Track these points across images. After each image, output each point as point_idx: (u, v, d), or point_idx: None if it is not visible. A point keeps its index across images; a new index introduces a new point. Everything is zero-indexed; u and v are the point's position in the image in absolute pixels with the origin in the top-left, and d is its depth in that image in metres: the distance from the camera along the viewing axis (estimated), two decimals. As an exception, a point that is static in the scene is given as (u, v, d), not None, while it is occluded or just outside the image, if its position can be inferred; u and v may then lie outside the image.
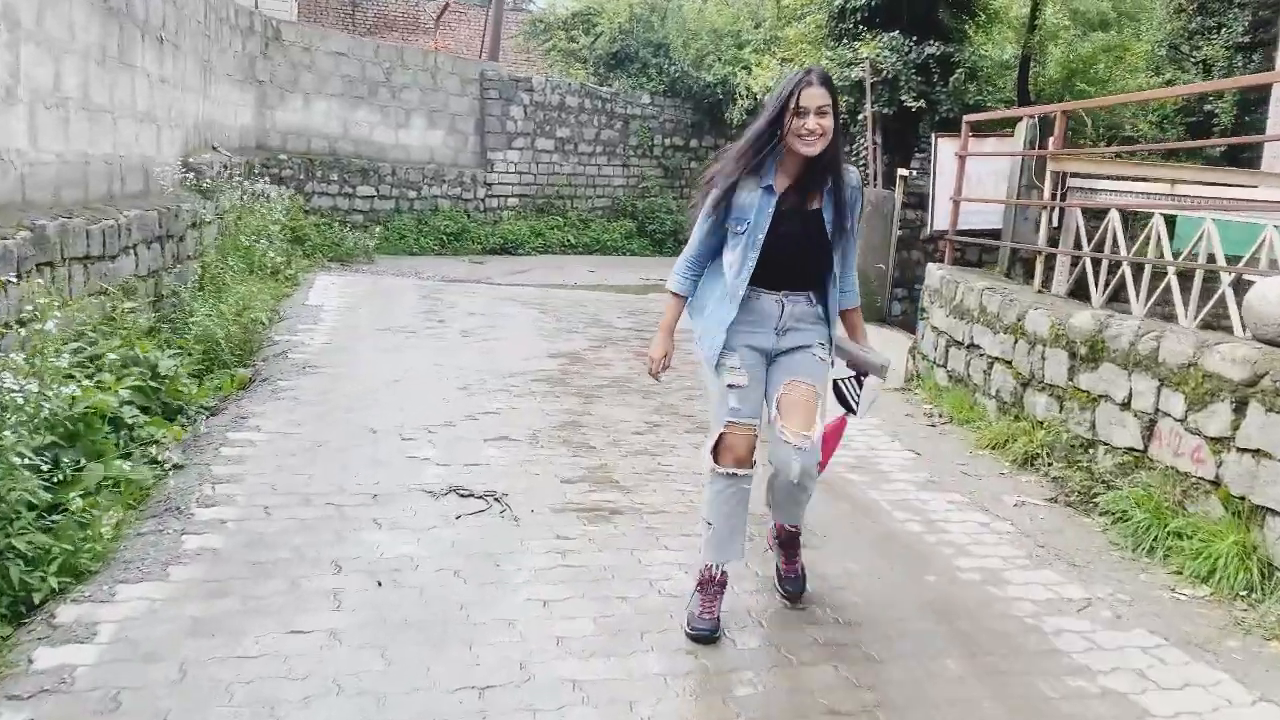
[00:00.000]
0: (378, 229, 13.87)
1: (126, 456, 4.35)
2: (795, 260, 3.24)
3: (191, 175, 7.99)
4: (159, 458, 4.46)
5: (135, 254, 5.94)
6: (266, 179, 12.37)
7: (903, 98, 12.13)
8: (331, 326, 8.02)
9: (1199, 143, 11.27)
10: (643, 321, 9.53)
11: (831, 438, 3.53)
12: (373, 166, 14.20)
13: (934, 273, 7.12)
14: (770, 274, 3.23)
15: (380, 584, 3.52)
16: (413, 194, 14.81)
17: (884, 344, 9.70)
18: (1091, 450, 5.03)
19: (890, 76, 12.17)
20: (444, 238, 14.80)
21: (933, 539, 4.39)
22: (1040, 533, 4.55)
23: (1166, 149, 13.59)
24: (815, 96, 3.05)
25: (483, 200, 15.79)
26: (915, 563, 4.11)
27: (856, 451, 5.64)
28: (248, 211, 10.12)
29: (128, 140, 6.30)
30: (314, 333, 7.71)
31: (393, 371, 6.66)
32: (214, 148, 10.00)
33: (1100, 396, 4.98)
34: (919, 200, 12.29)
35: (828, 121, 3.06)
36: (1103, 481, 4.83)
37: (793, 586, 3.64)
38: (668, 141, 18.76)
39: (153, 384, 4.93)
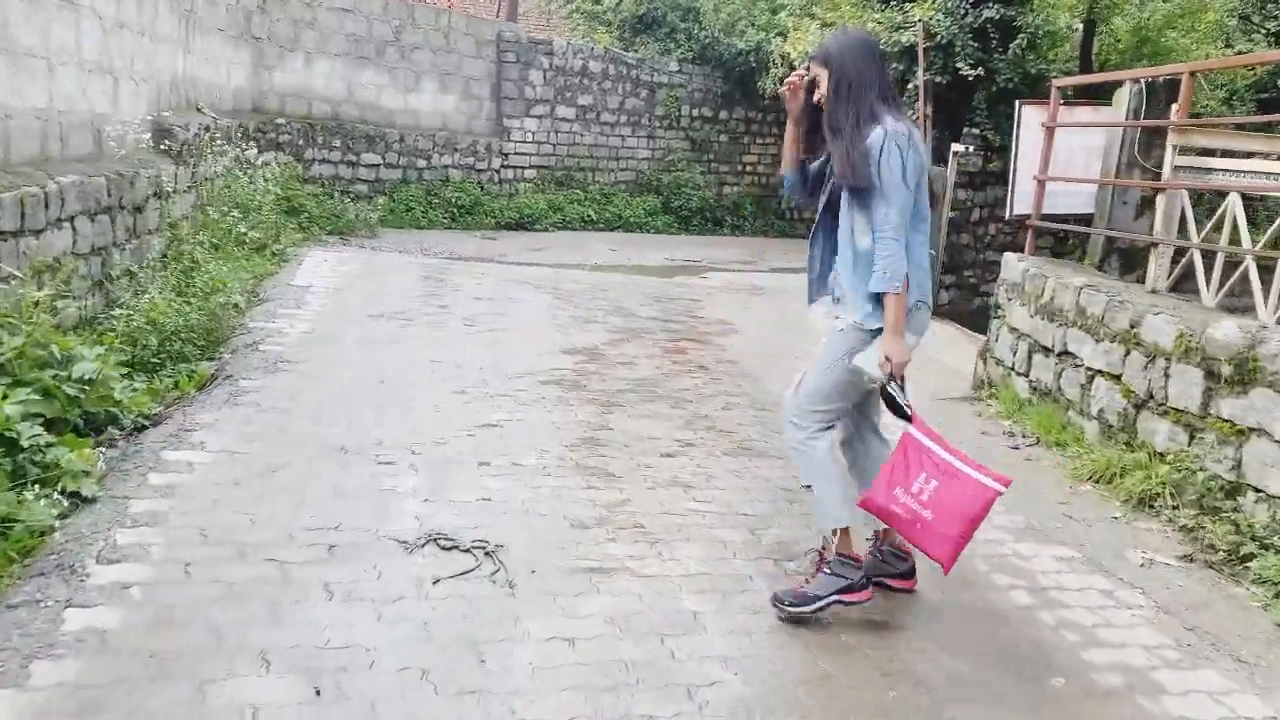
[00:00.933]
0: (383, 200, 12.89)
1: (19, 488, 3.42)
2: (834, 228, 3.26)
3: (160, 137, 7.01)
4: (63, 489, 3.52)
5: (72, 227, 4.98)
6: (262, 144, 11.40)
7: (958, 65, 11.00)
8: (317, 311, 7.07)
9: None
10: (669, 310, 8.53)
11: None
12: (379, 133, 13.20)
13: (1014, 264, 6.09)
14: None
15: (319, 692, 2.57)
16: (422, 163, 13.80)
17: (939, 341, 8.70)
18: (1237, 496, 4.01)
19: (944, 42, 11.04)
20: (455, 211, 13.80)
21: (1049, 618, 3.39)
22: (1183, 608, 3.54)
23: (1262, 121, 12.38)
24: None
25: (497, 171, 14.77)
26: (1035, 659, 3.12)
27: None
28: (234, 179, 9.16)
29: (69, 93, 5.33)
30: (295, 319, 6.75)
31: (379, 369, 5.70)
32: (198, 108, 9.03)
33: (1251, 430, 3.95)
34: (968, 179, 11.19)
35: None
36: (1256, 539, 3.82)
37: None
38: (696, 112, 17.65)
39: (70, 390, 3.98)
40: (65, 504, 3.48)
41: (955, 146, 10.57)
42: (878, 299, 2.99)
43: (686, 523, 3.89)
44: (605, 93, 16.12)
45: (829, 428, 3.24)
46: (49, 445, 3.68)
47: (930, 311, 3.20)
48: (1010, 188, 6.89)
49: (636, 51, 17.08)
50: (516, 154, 14.96)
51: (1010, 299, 6.05)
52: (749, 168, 18.46)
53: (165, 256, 6.53)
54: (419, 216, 13.28)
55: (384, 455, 4.30)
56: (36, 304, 4.15)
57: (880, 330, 3.00)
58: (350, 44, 12.88)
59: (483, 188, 14.45)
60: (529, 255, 11.67)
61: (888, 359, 2.96)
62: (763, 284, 10.66)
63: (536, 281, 9.33)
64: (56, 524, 3.37)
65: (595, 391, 5.66)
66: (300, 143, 12.14)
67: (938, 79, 11.15)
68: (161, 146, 6.99)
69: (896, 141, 2.92)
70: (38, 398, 3.82)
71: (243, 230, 8.32)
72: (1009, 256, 6.18)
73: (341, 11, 12.68)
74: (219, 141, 8.70)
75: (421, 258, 10.42)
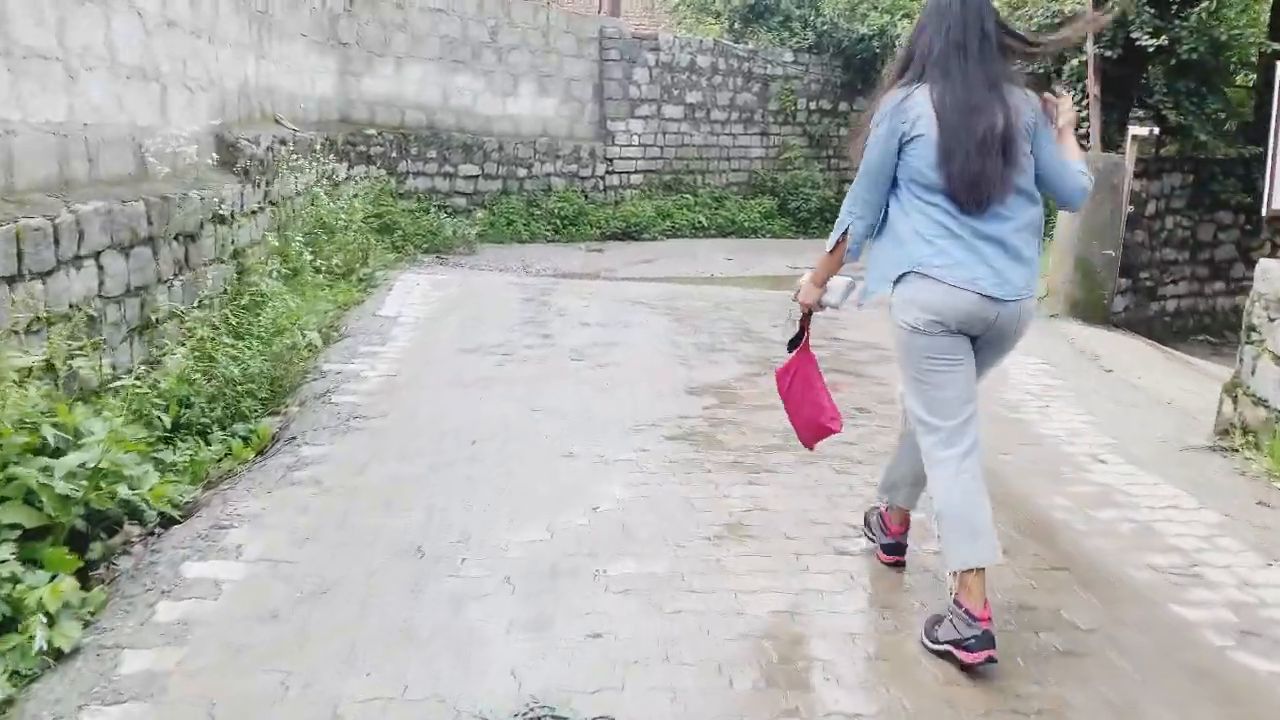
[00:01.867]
0: (481, 214, 12.01)
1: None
2: None
3: (225, 153, 6.16)
4: (31, 638, 2.56)
5: (98, 265, 4.09)
6: (351, 157, 10.62)
7: (1132, 34, 9.45)
8: (403, 347, 6.11)
9: None
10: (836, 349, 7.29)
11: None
12: (476, 141, 12.33)
13: (1277, 274, 4.68)
14: None
15: None
16: (522, 172, 12.88)
17: (1133, 361, 7.26)
18: None
19: (1114, 9, 9.50)
20: (558, 222, 12.84)
21: None
22: None
23: None
24: None
25: (602, 178, 13.76)
26: None
27: (1188, 559, 3.36)
28: (318, 198, 8.33)
29: (98, 103, 4.45)
30: (377, 359, 5.79)
31: (470, 424, 4.67)
32: (276, 120, 8.23)
33: None
34: (1143, 168, 9.61)
35: None
36: None
37: None
38: (813, 105, 16.34)
39: (64, 486, 3.02)
40: (35, 660, 2.52)
41: (1135, 130, 9.05)
42: (880, 271, 2.90)
43: (895, 670, 2.70)
44: (715, 88, 14.96)
45: (944, 439, 2.84)
46: (25, 569, 2.74)
47: (947, 288, 2.72)
48: (1270, 176, 5.45)
49: (748, 43, 15.87)
50: (621, 158, 13.93)
51: (1274, 319, 4.65)
52: (872, 163, 16.98)
53: (226, 292, 5.65)
54: (520, 230, 12.36)
55: (471, 561, 3.23)
56: (28, 371, 3.22)
57: (892, 300, 2.86)
58: (444, 47, 12.05)
59: (586, 196, 13.46)
60: (638, 268, 10.60)
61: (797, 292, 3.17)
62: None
63: (650, 301, 8.21)
64: (17, 694, 2.42)
65: (735, 449, 4.50)
66: (393, 155, 11.33)
67: (1107, 52, 9.62)
68: (226, 163, 6.14)
69: (884, 108, 2.81)
70: (16, 500, 2.87)
71: (325, 255, 7.46)
72: (1269, 264, 4.76)
73: (434, 12, 11.85)
74: (298, 156, 7.87)
75: (523, 277, 9.45)
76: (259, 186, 6.55)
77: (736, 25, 16.55)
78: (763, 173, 15.77)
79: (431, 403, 5.00)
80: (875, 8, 15.80)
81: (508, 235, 12.19)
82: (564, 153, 13.32)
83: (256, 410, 4.76)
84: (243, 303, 5.56)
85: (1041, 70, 10.58)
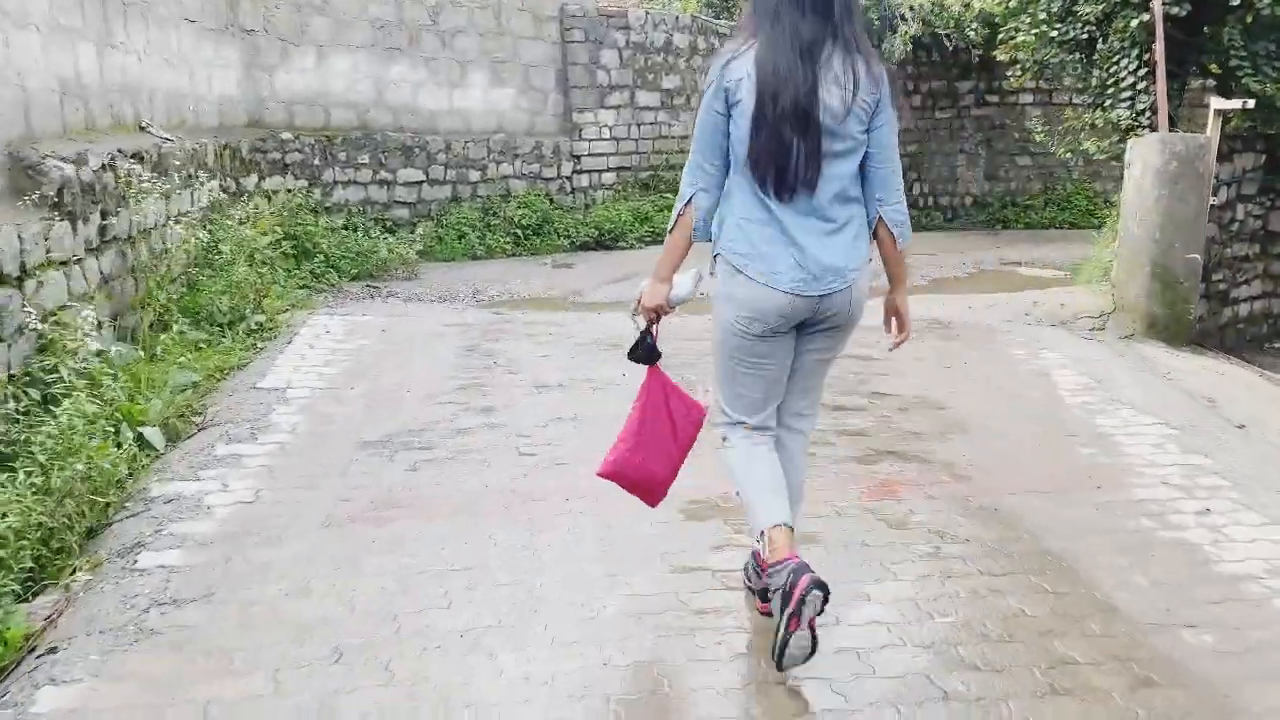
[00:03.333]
0: (425, 227, 10.20)
1: None
2: None
3: (21, 180, 4.35)
4: None
5: None
6: (263, 167, 8.80)
7: (1206, -16, 7.75)
8: (279, 445, 4.32)
9: None
10: (834, 385, 5.53)
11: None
12: (419, 142, 10.51)
13: None
14: None
15: None
16: (475, 176, 11.07)
17: (1252, 405, 5.56)
18: None
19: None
20: (519, 232, 11.04)
21: None
22: None
23: None
24: None
25: (569, 178, 11.96)
26: None
27: None
28: (199, 225, 6.51)
29: None
30: (234, 470, 4.01)
31: (340, 616, 2.91)
32: (141, 126, 6.39)
33: None
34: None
35: None
36: None
37: None
38: (804, 87, 14.55)
39: None
40: None
41: (1217, 102, 7.35)
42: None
43: None
44: (695, 71, 13.15)
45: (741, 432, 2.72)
46: None
47: (749, 282, 2.50)
48: None
49: (731, 17, 14.07)
50: (591, 155, 12.13)
51: None
52: (871, 150, 15.25)
53: (13, 379, 3.85)
54: (474, 244, 10.56)
55: None
56: None
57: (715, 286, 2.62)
58: (376, 32, 10.21)
59: (552, 200, 11.66)
60: (614, 289, 8.83)
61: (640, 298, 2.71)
62: (943, 313, 7.59)
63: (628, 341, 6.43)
64: None
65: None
66: (316, 162, 9.50)
67: (1174, 9, 7.90)
68: (21, 191, 4.32)
69: (714, 66, 2.52)
70: None
71: (204, 300, 5.70)
72: None
73: (362, -10, 10.02)
74: (173, 173, 6.05)
75: (469, 310, 7.66)
76: (84, 222, 4.73)
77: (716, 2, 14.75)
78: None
79: (288, 568, 3.22)
80: (876, -29, 14.02)
81: (459, 251, 10.39)
82: (524, 151, 11.51)
83: (7, 589, 3.00)
84: (20, 407, 3.75)
85: (1085, 37, 8.90)
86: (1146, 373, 6.03)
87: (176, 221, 6.16)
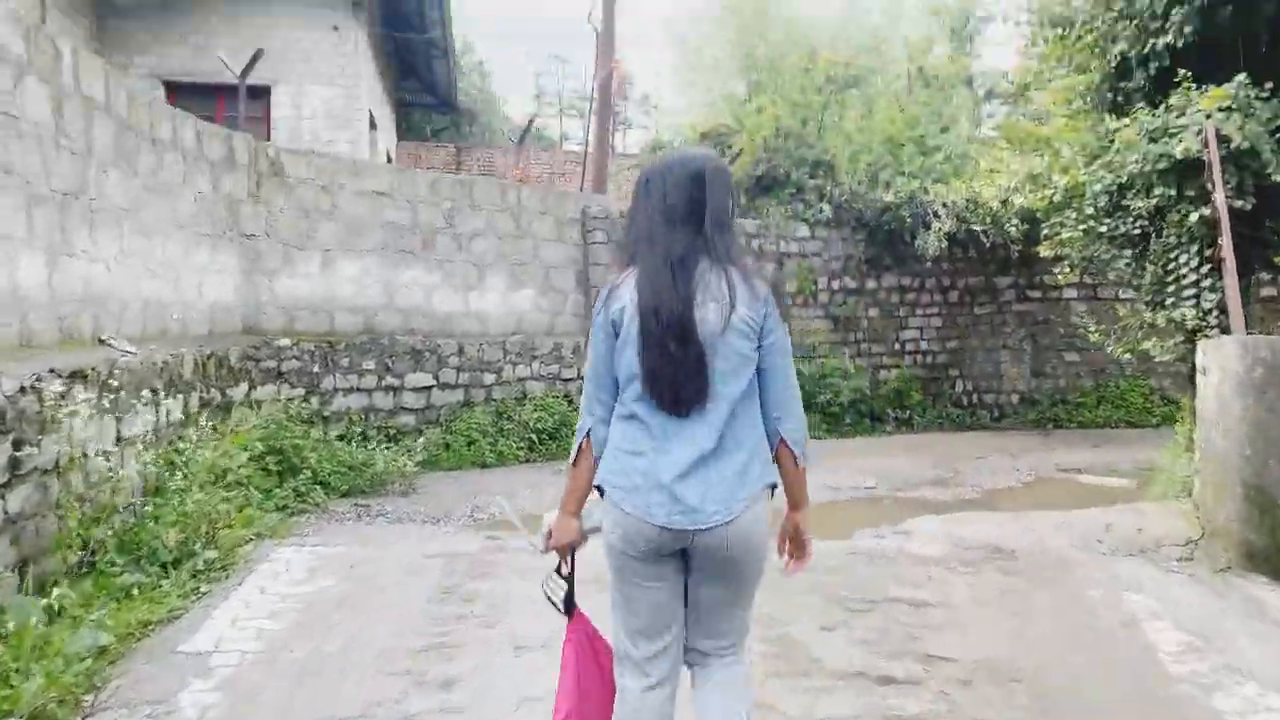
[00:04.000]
0: (432, 434, 9.54)
1: None
2: None
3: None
4: None
5: None
6: (254, 376, 8.25)
7: (1271, 173, 7.11)
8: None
9: None
10: (881, 644, 4.54)
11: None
12: (430, 345, 10.00)
13: None
14: None
15: None
16: (490, 378, 10.50)
17: None
18: None
19: (1242, 147, 7.21)
20: (534, 436, 10.34)
21: None
22: None
23: None
24: None
25: (590, 380, 11.35)
26: None
27: None
28: (154, 447, 5.85)
29: None
30: (98, 789, 3.11)
31: None
32: (101, 340, 5.85)
33: None
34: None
35: None
36: None
37: None
38: (836, 284, 14.13)
39: None
40: None
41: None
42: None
43: None
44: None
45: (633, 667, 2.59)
46: None
47: (624, 514, 2.44)
48: None
49: (757, 217, 13.81)
50: (613, 355, 11.55)
51: None
52: (909, 345, 14.69)
53: None
54: (485, 450, 9.83)
55: None
56: None
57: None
58: (389, 234, 9.91)
59: (570, 401, 11.01)
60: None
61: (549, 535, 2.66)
62: (1004, 537, 6.61)
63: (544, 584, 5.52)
64: None
65: None
66: (314, 369, 8.95)
67: (1236, 203, 7.28)
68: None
69: (600, 296, 2.55)
70: None
71: (148, 534, 4.95)
72: None
73: (375, 196, 9.77)
74: (133, 389, 5.43)
75: (462, 533, 6.81)
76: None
77: (742, 199, 14.58)
78: (783, 363, 13.35)
79: None
80: (901, 172, 13.80)
81: (468, 458, 9.67)
82: (542, 351, 10.98)
83: None
84: None
85: (1138, 232, 8.28)
86: (1258, 620, 4.97)
87: (125, 445, 5.48)
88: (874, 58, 16.11)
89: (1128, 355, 8.65)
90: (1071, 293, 14.91)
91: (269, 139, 15.11)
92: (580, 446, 2.56)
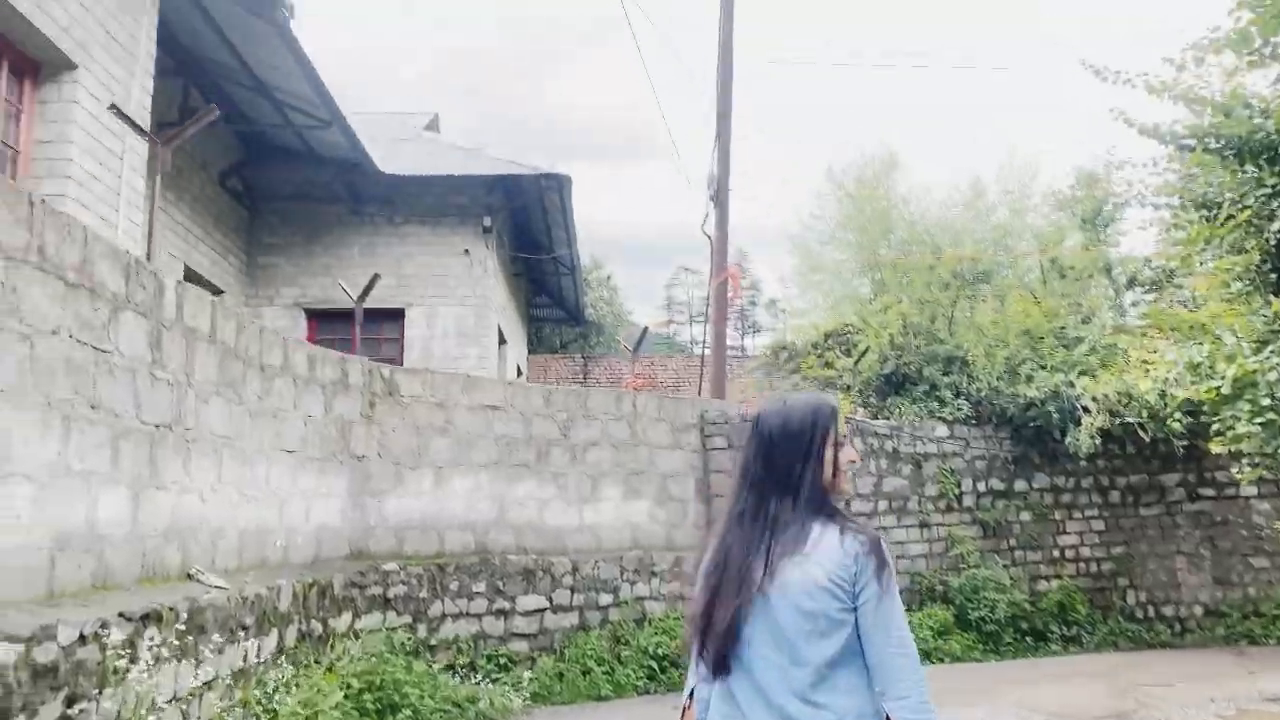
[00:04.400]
0: (545, 662, 8.91)
1: None
2: None
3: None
4: None
5: None
6: (359, 604, 7.91)
7: None
8: None
9: None
10: None
11: None
12: (543, 564, 9.54)
13: None
14: None
15: None
16: (606, 599, 9.89)
17: None
18: None
19: None
20: (654, 664, 9.55)
21: None
22: None
23: None
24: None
25: (714, 598, 10.59)
26: None
27: None
28: (239, 690, 5.46)
29: None
30: None
31: None
32: (189, 575, 5.63)
33: None
34: None
35: None
36: None
37: None
38: (981, 486, 13.11)
39: None
40: None
41: None
42: None
43: None
44: (853, 475, 11.98)
45: None
46: None
47: None
48: None
49: (889, 417, 13.13)
50: (739, 571, 10.78)
51: None
52: (1069, 552, 13.38)
53: None
54: (599, 681, 9.10)
55: None
56: None
57: None
58: (502, 449, 9.70)
59: (694, 624, 10.19)
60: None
61: None
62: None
63: None
64: None
65: None
66: (422, 594, 8.56)
67: None
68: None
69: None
70: None
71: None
72: None
73: (487, 410, 9.64)
74: (219, 627, 5.12)
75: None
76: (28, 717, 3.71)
77: (872, 398, 13.96)
78: (928, 574, 12.27)
79: None
80: (1042, 366, 12.98)
81: (582, 691, 8.94)
82: (661, 568, 10.35)
83: None
84: None
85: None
86: None
87: (205, 689, 5.12)
88: (1002, 251, 15.64)
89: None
90: (1251, 489, 13.41)
91: (402, 357, 15.60)
92: (684, 709, 2.49)
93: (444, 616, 8.71)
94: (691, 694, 2.46)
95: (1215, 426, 8.08)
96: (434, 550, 9.04)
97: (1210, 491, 13.52)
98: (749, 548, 2.31)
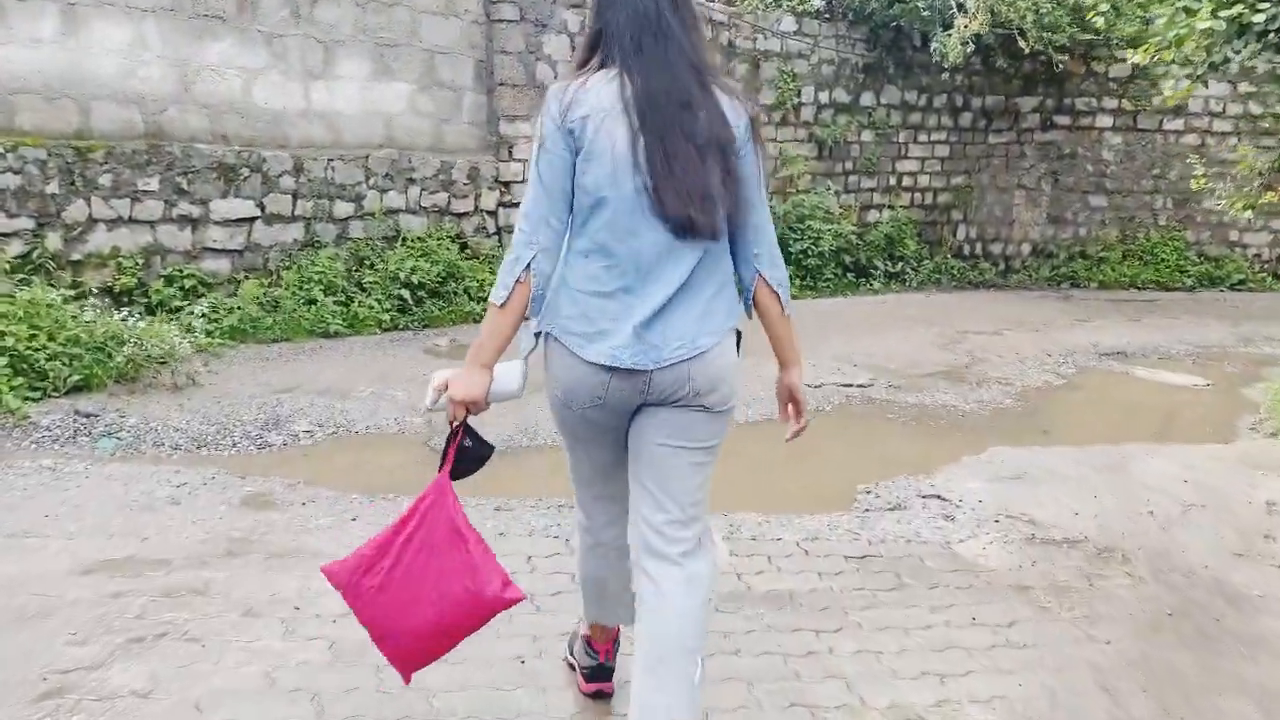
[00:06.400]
0: (249, 286, 6.71)
1: None
2: None
3: None
4: None
5: None
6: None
7: None
8: None
9: None
10: None
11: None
12: (252, 159, 7.00)
13: None
14: None
15: None
16: (345, 208, 7.58)
17: None
18: None
19: None
20: (408, 293, 7.55)
21: None
22: None
23: None
24: None
25: (492, 214, 8.49)
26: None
27: None
28: None
29: None
30: None
31: None
32: None
33: None
34: None
35: None
36: None
37: None
38: (825, 97, 11.12)
39: None
40: None
41: None
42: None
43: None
44: (678, 70, 9.64)
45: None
46: None
47: (578, 363, 1.98)
48: None
49: (731, 1, 10.62)
50: (526, 181, 8.62)
51: None
52: (907, 180, 11.91)
53: None
54: (330, 312, 7.05)
55: None
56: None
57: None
58: (184, -9, 6.70)
59: (465, 247, 8.18)
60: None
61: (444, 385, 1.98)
62: (1103, 519, 4.08)
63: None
64: None
65: None
66: (51, 190, 5.95)
67: None
68: None
69: (552, 99, 1.99)
70: None
71: None
72: None
73: (152, -77, 6.48)
74: None
75: (213, 483, 4.08)
76: None
77: (710, -23, 11.27)
78: (750, 198, 10.52)
79: None
80: (920, -50, 10.58)
81: (304, 326, 6.88)
82: (424, 174, 8.02)
83: None
84: None
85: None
86: None
87: None
88: None
89: (1249, 215, 6.02)
90: (1106, 120, 12.09)
91: None
92: (517, 281, 1.93)
93: (93, 222, 6.19)
94: (528, 266, 1.94)
95: (1152, 29, 6.12)
96: (71, 129, 6.27)
97: (1065, 120, 12.11)
98: (702, 108, 1.95)
